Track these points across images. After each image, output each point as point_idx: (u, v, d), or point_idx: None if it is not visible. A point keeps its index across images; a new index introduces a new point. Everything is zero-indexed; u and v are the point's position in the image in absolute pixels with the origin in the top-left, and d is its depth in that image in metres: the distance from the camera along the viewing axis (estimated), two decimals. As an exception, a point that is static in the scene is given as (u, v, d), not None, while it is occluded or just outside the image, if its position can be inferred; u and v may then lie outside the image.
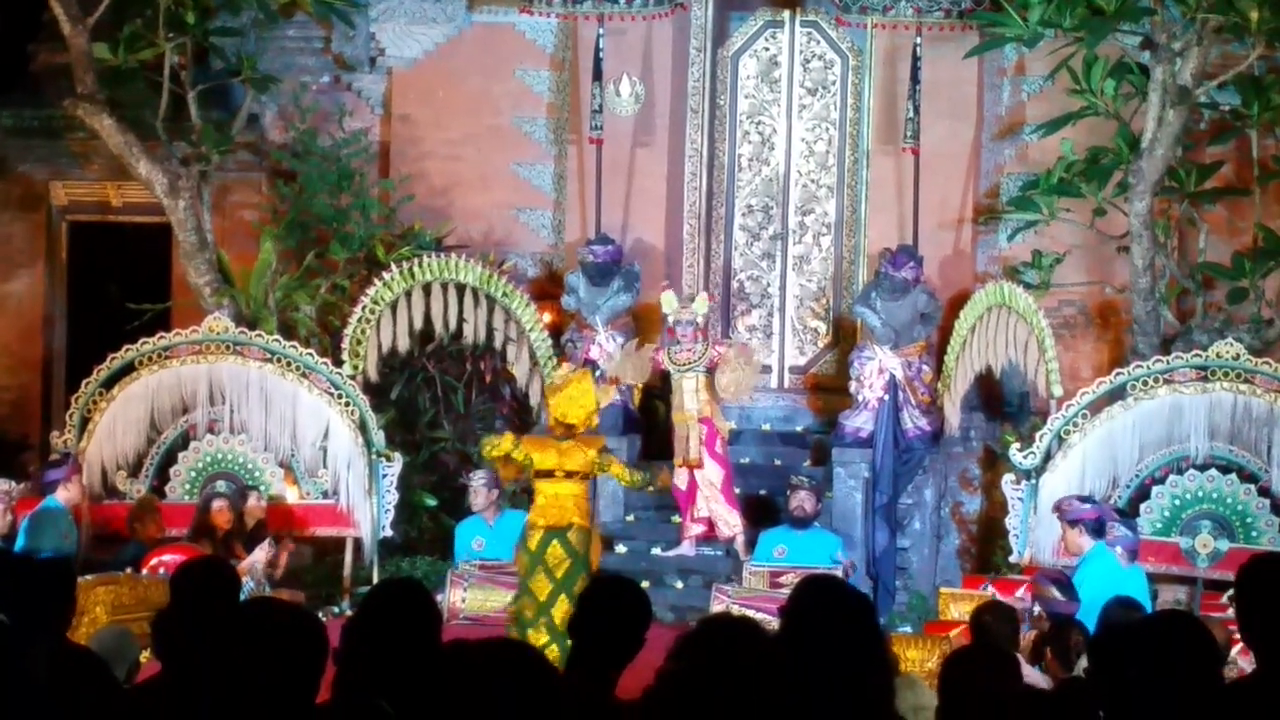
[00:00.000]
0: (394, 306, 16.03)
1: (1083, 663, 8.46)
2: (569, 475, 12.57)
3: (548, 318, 16.72)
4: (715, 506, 15.52)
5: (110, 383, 15.44)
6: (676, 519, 15.84)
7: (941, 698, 5.70)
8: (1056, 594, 10.53)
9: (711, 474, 15.50)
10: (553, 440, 12.79)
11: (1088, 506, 12.21)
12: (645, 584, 13.22)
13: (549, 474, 12.59)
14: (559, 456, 12.60)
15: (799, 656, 4.58)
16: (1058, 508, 12.54)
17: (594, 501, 13.99)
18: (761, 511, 15.97)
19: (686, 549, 15.68)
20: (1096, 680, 4.56)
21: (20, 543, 13.43)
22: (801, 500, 14.74)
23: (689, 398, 15.54)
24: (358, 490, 15.40)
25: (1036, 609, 10.51)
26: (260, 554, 13.69)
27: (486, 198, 18.02)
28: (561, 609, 12.01)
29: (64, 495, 14.08)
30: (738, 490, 15.82)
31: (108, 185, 18.73)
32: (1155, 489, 14.56)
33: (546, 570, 12.40)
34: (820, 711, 4.56)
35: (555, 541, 12.44)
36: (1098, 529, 11.99)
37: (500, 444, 12.81)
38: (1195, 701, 4.39)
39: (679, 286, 17.29)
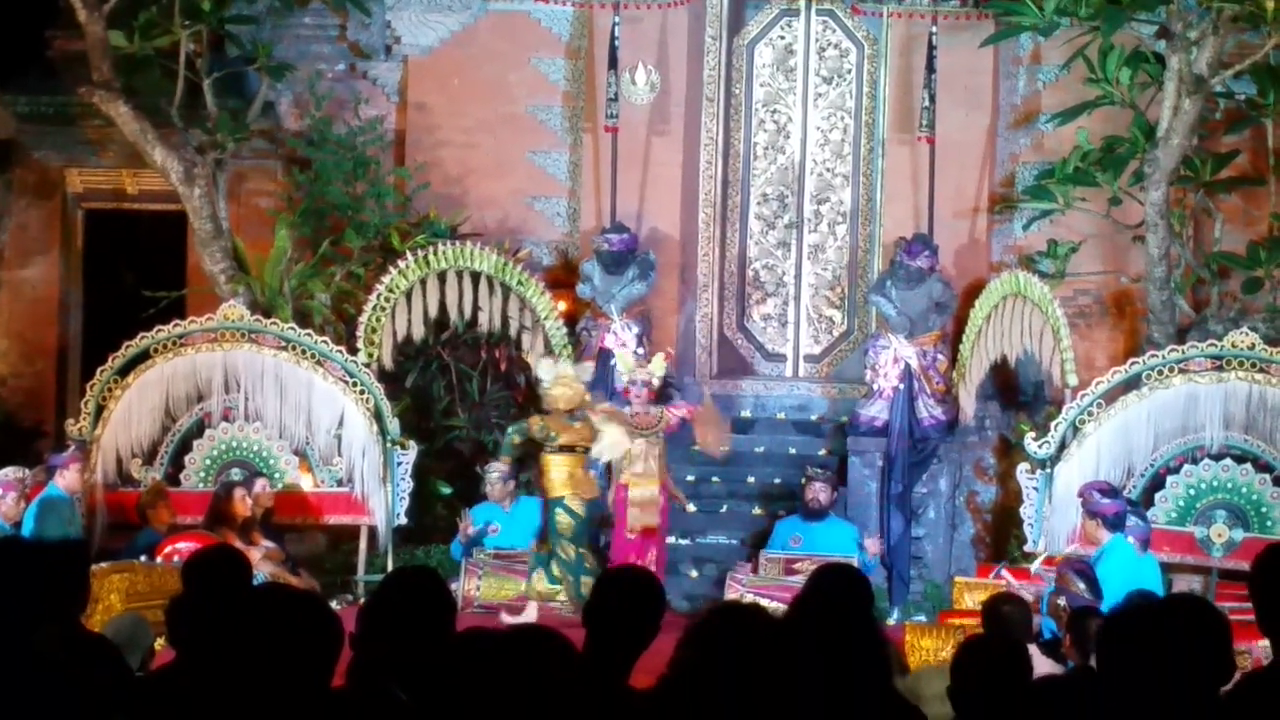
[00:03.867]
0: (409, 294, 16.06)
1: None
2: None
3: (562, 306, 16.72)
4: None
5: (125, 370, 15.43)
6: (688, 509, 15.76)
7: (953, 686, 5.71)
8: (1082, 587, 10.52)
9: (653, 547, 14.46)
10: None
11: (1108, 502, 12.18)
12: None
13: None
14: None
15: (800, 638, 4.59)
16: (1081, 495, 12.53)
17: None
18: (776, 501, 15.97)
19: None
20: (1103, 665, 4.54)
21: (26, 529, 13.47)
22: (817, 492, 14.77)
23: (654, 463, 14.47)
24: (372, 478, 15.40)
25: (1062, 600, 10.49)
26: (256, 554, 13.55)
27: (502, 186, 18.00)
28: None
29: (62, 482, 14.14)
30: (751, 479, 15.82)
31: (123, 172, 18.72)
32: (1170, 478, 14.54)
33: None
34: (822, 693, 4.57)
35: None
36: (1116, 523, 11.98)
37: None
38: (1205, 686, 4.37)
39: (694, 274, 17.37)
